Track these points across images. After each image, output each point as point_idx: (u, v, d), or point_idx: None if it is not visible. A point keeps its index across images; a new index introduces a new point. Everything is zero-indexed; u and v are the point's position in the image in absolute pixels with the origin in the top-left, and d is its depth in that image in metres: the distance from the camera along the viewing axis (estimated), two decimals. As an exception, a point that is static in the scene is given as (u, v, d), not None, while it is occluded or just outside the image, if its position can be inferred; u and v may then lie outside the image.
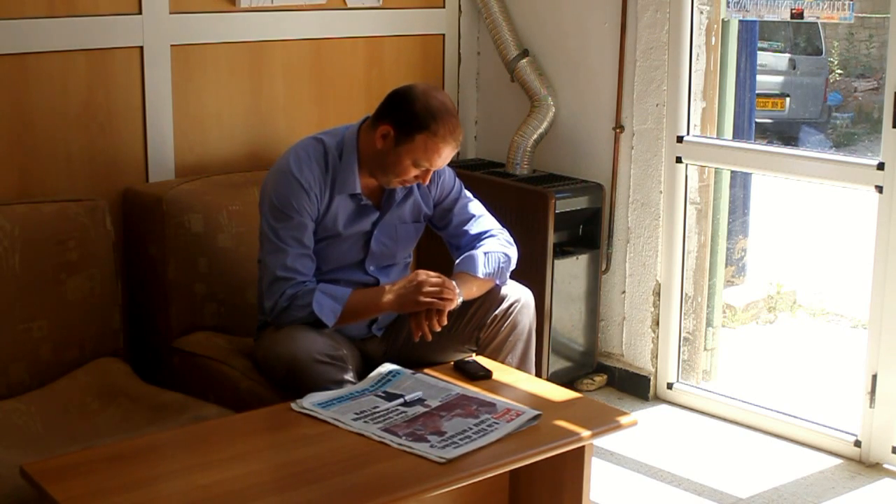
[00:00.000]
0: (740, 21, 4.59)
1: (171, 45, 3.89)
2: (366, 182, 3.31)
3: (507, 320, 3.33)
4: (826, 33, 11.55)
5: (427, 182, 3.28)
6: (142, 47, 3.82)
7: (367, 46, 4.44)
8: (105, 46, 3.75)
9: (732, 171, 4.90)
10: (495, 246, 3.41)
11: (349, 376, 3.09)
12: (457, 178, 3.53)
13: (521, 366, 3.36)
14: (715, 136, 4.46)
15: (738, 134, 5.04)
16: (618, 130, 4.43)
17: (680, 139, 4.29)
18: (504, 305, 3.34)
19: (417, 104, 3.17)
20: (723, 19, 4.37)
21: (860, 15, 11.20)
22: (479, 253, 3.36)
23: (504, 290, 3.37)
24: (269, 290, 3.22)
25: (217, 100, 4.06)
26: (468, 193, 3.55)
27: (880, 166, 3.77)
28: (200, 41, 3.98)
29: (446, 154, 3.20)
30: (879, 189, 3.79)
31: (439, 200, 3.48)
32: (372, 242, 3.37)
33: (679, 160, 4.30)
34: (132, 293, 3.75)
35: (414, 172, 3.22)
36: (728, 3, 4.17)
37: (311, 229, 3.26)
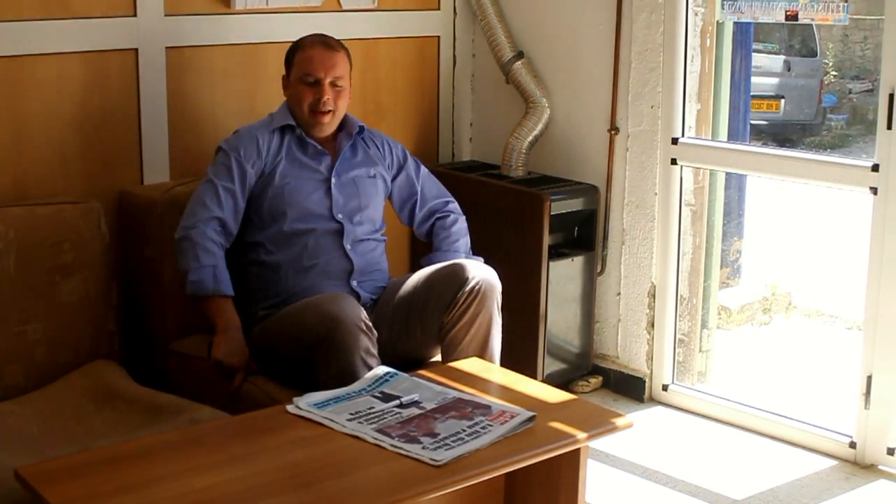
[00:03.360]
0: (735, 23, 4.59)
1: (166, 48, 3.89)
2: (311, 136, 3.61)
3: (470, 303, 3.36)
4: (821, 35, 11.57)
5: (332, 98, 3.54)
6: (137, 49, 3.82)
7: (363, 48, 4.44)
8: (100, 48, 3.75)
9: (727, 173, 4.90)
10: (463, 232, 3.80)
11: (376, 352, 3.17)
12: (409, 155, 3.86)
13: (483, 352, 3.38)
14: (710, 138, 4.46)
15: (732, 136, 5.05)
16: (613, 132, 4.43)
17: (675, 141, 4.29)
18: (467, 287, 3.36)
19: (291, 45, 3.64)
20: (717, 21, 4.37)
21: (855, 17, 11.21)
22: (462, 256, 3.70)
23: (469, 272, 3.39)
24: (183, 221, 3.46)
25: (212, 102, 4.06)
26: (425, 169, 3.89)
27: (875, 168, 3.78)
28: (195, 43, 3.98)
29: (320, 58, 3.56)
30: (874, 190, 3.79)
31: (396, 170, 3.80)
32: (332, 188, 3.56)
33: (674, 162, 4.30)
34: (127, 295, 3.74)
35: (311, 93, 3.53)
36: (723, 4, 4.18)
37: (248, 177, 3.51)
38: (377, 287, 3.60)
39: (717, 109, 4.55)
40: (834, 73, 12.88)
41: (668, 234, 4.37)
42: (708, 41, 4.39)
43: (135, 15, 3.80)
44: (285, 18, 4.19)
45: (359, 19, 4.40)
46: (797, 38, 11.36)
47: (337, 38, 4.22)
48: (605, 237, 4.53)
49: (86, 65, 3.72)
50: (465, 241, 3.79)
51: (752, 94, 6.18)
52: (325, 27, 4.22)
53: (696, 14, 4.31)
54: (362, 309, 3.19)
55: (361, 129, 3.72)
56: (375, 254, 3.64)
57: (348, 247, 3.54)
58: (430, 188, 3.85)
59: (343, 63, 3.60)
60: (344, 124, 3.69)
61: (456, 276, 3.39)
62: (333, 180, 3.58)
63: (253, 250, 3.55)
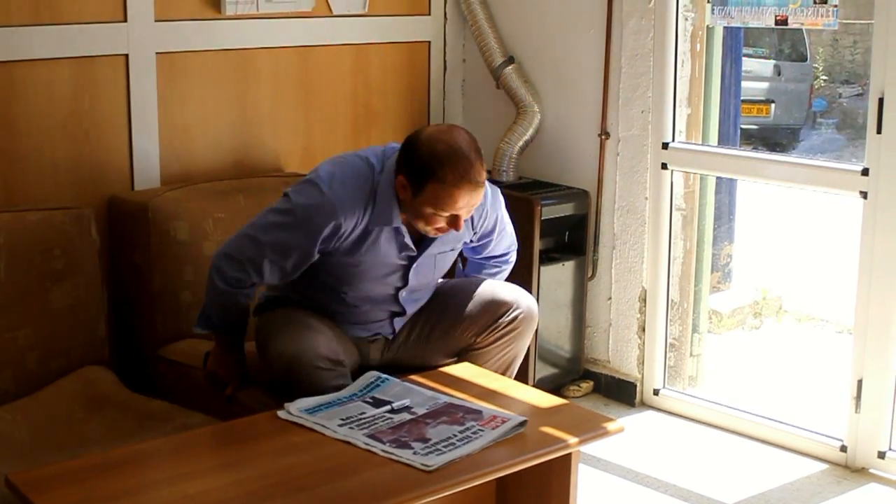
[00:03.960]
0: (725, 28, 4.60)
1: (157, 53, 3.89)
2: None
3: (506, 333, 3.33)
4: (811, 40, 11.59)
5: (461, 228, 3.06)
6: (127, 55, 3.82)
7: (353, 53, 4.44)
8: (90, 54, 3.75)
9: (718, 178, 4.91)
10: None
11: (346, 381, 3.07)
12: (497, 211, 3.40)
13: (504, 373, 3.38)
14: (700, 143, 4.47)
15: (723, 140, 5.06)
16: (603, 137, 4.44)
17: (665, 146, 4.29)
18: (509, 317, 3.32)
19: (422, 151, 2.98)
20: (707, 26, 4.38)
21: (844, 21, 11.23)
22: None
23: (512, 300, 3.33)
24: (225, 257, 3.15)
25: (202, 107, 4.05)
26: (506, 219, 3.48)
27: (865, 172, 3.78)
28: (186, 49, 3.98)
29: (464, 199, 2.97)
30: (864, 195, 3.80)
31: (483, 234, 3.40)
32: (410, 276, 3.22)
33: (664, 166, 4.31)
34: (118, 301, 3.74)
35: (441, 221, 3.02)
36: (713, 9, 4.18)
37: (308, 260, 3.10)
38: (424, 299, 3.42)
39: (708, 114, 4.55)
40: (824, 77, 12.91)
41: (659, 239, 4.37)
42: (698, 46, 4.39)
43: (125, 20, 3.80)
44: (276, 23, 4.19)
45: (349, 24, 4.40)
46: (787, 43, 11.37)
47: (327, 43, 4.26)
48: (596, 242, 4.53)
49: (76, 70, 3.72)
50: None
51: (742, 98, 6.18)
52: (316, 32, 4.25)
53: (686, 19, 4.32)
54: (325, 339, 3.08)
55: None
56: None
57: (403, 295, 3.29)
58: (501, 244, 3.50)
59: (483, 191, 3.06)
60: None
61: (499, 303, 3.32)
62: (414, 266, 3.22)
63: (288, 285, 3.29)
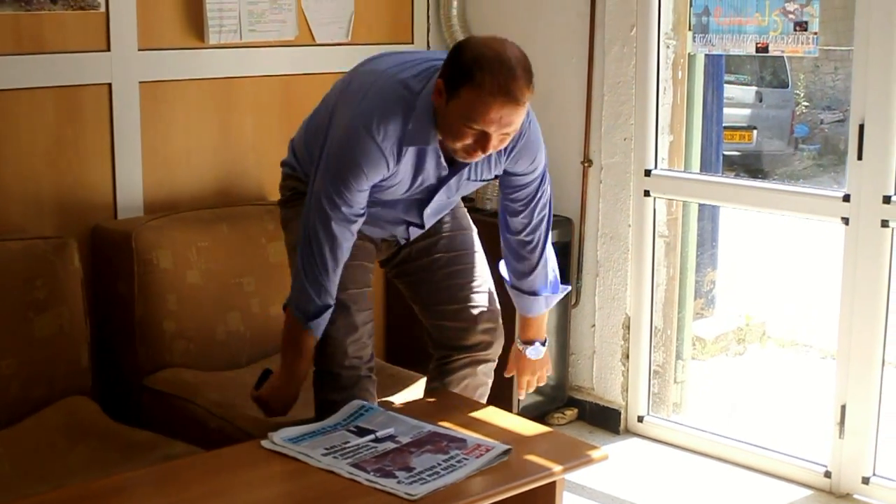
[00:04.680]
0: (707, 55, 4.62)
1: (140, 82, 3.89)
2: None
3: (464, 366, 3.34)
4: (792, 66, 11.66)
5: (496, 145, 2.80)
6: (110, 84, 3.82)
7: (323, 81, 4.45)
8: (73, 83, 3.75)
9: (700, 204, 4.93)
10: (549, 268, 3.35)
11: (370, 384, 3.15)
12: (540, 166, 3.15)
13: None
14: (682, 170, 4.49)
15: (705, 167, 5.08)
16: (586, 164, 4.45)
17: (648, 173, 4.31)
18: (477, 357, 3.34)
19: (466, 54, 2.75)
20: (689, 53, 4.40)
21: (825, 48, 11.31)
22: (544, 296, 3.35)
23: (490, 334, 3.34)
24: (306, 265, 2.98)
25: (186, 136, 4.05)
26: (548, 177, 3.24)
27: (846, 198, 3.80)
28: (169, 78, 3.98)
29: (498, 112, 2.72)
30: (846, 221, 3.81)
31: (512, 172, 3.12)
32: (434, 199, 3.09)
33: (647, 194, 4.32)
34: (101, 331, 3.73)
35: (469, 137, 2.77)
36: (694, 37, 4.21)
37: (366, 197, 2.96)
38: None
39: (690, 141, 4.58)
40: (805, 103, 12.98)
41: (642, 266, 4.38)
42: (680, 73, 4.42)
43: (108, 50, 3.80)
44: (259, 52, 4.20)
45: (332, 53, 4.40)
46: (768, 70, 11.45)
47: (310, 72, 4.24)
48: (580, 269, 4.54)
49: (59, 99, 3.72)
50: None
51: (724, 124, 6.22)
52: (299, 61, 4.25)
53: (668, 47, 4.35)
54: (351, 331, 3.09)
55: (518, 137, 2.98)
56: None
57: (428, 211, 3.15)
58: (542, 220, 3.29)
59: (523, 115, 2.82)
60: None
61: (479, 334, 3.32)
62: (441, 189, 3.07)
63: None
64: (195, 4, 4.00)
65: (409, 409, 3.15)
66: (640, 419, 4.48)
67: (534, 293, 3.32)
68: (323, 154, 2.94)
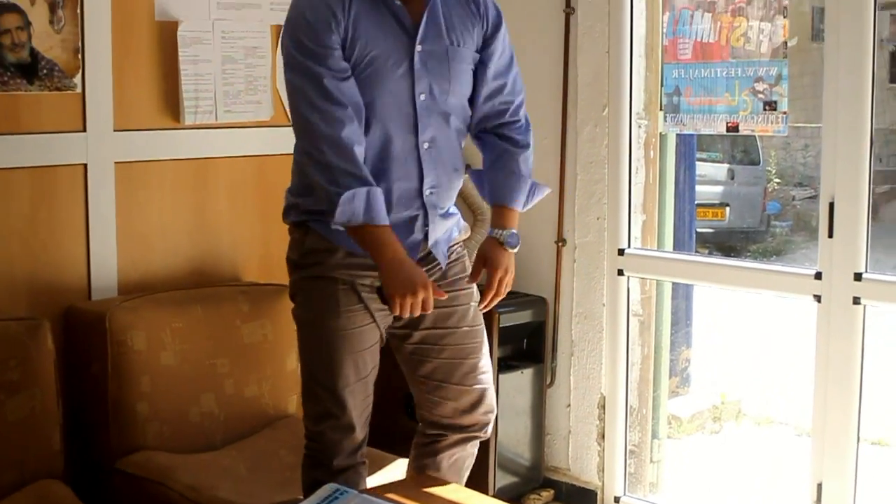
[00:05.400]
0: (678, 134, 4.67)
1: (116, 163, 3.90)
2: None
3: (468, 445, 3.29)
4: (763, 144, 11.80)
5: None
6: (86, 164, 3.83)
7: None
8: (49, 164, 3.75)
9: (674, 283, 4.95)
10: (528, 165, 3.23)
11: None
12: (506, 40, 3.14)
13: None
14: (656, 249, 4.51)
15: (678, 245, 5.11)
16: (560, 244, 4.48)
17: (621, 252, 4.33)
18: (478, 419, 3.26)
19: None
20: (661, 133, 4.45)
21: (795, 125, 11.44)
22: (524, 180, 3.23)
23: (490, 402, 3.26)
24: (325, 174, 2.86)
25: (161, 216, 4.06)
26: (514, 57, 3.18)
27: (818, 276, 3.83)
28: (145, 158, 3.99)
29: None
30: (818, 298, 3.83)
31: (487, 36, 3.09)
32: (416, 62, 2.95)
33: (621, 273, 4.34)
34: (74, 413, 3.69)
35: None
36: (665, 117, 4.26)
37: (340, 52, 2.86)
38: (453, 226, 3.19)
39: (663, 220, 4.61)
40: (777, 180, 13.11)
41: (617, 345, 4.39)
42: (652, 153, 4.46)
43: (84, 130, 3.81)
44: (235, 133, 4.22)
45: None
46: (739, 148, 11.57)
47: (286, 152, 4.24)
48: (555, 349, 4.54)
49: (34, 180, 3.72)
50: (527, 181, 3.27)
51: (696, 202, 6.26)
52: (274, 141, 4.28)
53: (640, 126, 4.39)
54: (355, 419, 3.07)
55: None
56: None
57: (425, 146, 3.02)
58: (515, 90, 3.21)
59: None
60: None
61: (474, 416, 3.24)
62: (419, 49, 2.96)
63: None
64: (171, 85, 4.03)
65: (386, 492, 3.12)
66: (617, 500, 4.46)
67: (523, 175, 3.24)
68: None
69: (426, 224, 3.08)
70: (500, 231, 3.19)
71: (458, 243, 3.26)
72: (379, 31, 2.91)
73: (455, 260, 3.23)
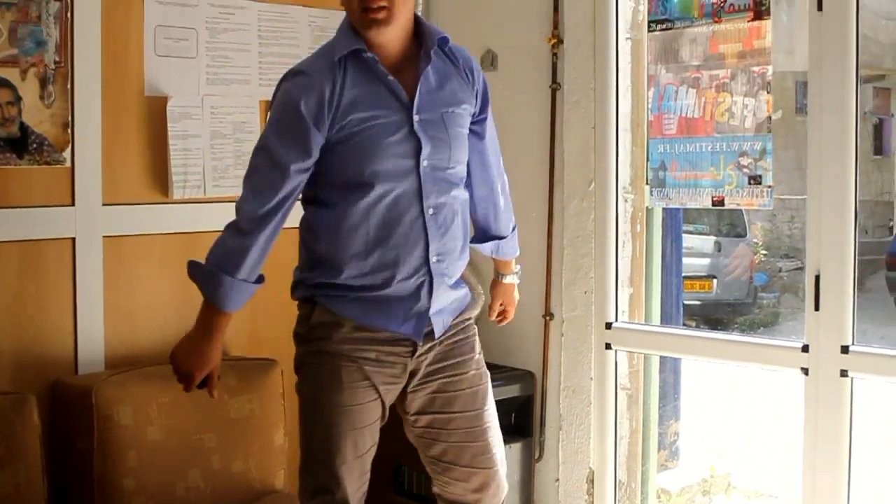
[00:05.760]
0: (664, 208, 4.70)
1: (104, 237, 3.91)
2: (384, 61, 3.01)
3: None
4: (749, 216, 11.86)
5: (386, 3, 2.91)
6: (74, 238, 3.84)
7: (297, 235, 4.46)
8: (37, 238, 3.76)
9: (662, 356, 4.95)
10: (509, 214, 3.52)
11: None
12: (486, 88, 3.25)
13: None
14: (643, 322, 4.51)
15: (666, 318, 5.11)
16: (547, 318, 4.48)
17: (609, 326, 4.34)
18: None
19: None
20: (647, 207, 4.47)
21: (780, 197, 11.52)
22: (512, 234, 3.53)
23: (500, 482, 3.28)
24: (248, 186, 3.09)
25: (148, 290, 4.06)
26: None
27: (805, 349, 3.82)
28: (133, 232, 4.00)
29: None
30: (805, 371, 3.83)
31: (480, 102, 3.21)
32: (416, 130, 3.00)
33: (608, 346, 4.34)
34: (59, 488, 3.67)
35: None
36: (651, 191, 4.28)
37: (317, 140, 2.95)
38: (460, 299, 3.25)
39: (650, 293, 4.61)
40: (763, 251, 13.16)
41: (605, 419, 4.38)
42: (638, 227, 4.48)
43: (73, 204, 3.83)
44: (223, 207, 4.21)
45: (295, 208, 4.43)
46: (726, 220, 11.63)
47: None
48: (543, 423, 4.52)
49: (22, 253, 3.73)
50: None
51: (684, 274, 6.27)
52: (263, 216, 4.27)
53: (626, 200, 4.41)
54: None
55: (444, 40, 3.10)
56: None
57: (430, 212, 3.06)
58: (494, 154, 3.36)
59: None
60: (421, 39, 3.07)
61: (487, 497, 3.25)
62: (416, 118, 3.01)
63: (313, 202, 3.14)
64: (160, 160, 4.05)
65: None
66: (606, 574, 4.43)
67: (505, 236, 3.52)
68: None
69: (430, 292, 3.10)
70: (503, 276, 3.59)
71: (466, 319, 3.30)
72: (375, 101, 2.98)
73: (463, 339, 3.26)
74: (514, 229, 3.57)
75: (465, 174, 3.17)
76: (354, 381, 3.05)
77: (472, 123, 3.19)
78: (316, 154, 2.98)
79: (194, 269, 3.07)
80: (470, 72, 3.16)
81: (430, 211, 3.04)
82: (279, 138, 2.98)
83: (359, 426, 3.04)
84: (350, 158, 2.98)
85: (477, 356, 3.29)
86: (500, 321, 3.63)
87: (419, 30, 3.07)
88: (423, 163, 3.02)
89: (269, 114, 3.14)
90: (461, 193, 3.15)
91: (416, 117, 3.00)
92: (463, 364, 3.23)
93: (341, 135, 2.97)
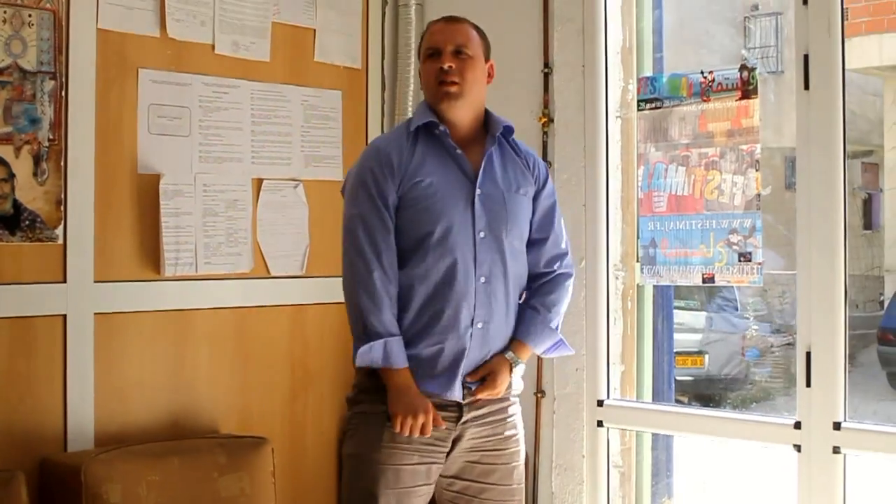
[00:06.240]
0: (655, 285, 4.71)
1: (95, 314, 3.91)
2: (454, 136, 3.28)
3: None
4: (740, 291, 11.86)
5: (456, 67, 3.23)
6: (65, 315, 3.83)
7: (291, 314, 4.48)
8: (28, 314, 3.76)
9: (654, 433, 4.93)
10: (561, 308, 3.49)
11: None
12: (553, 197, 3.48)
13: None
14: (635, 399, 4.51)
15: (657, 395, 5.10)
16: (539, 395, 4.47)
17: (600, 403, 4.33)
18: None
19: None
20: (638, 284, 4.48)
21: (771, 272, 11.54)
22: (547, 323, 3.44)
23: None
24: (348, 267, 3.26)
25: (139, 368, 4.04)
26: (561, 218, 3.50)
27: (797, 425, 3.82)
28: (124, 309, 4.00)
29: (443, 28, 3.29)
30: (797, 448, 3.83)
31: (539, 186, 3.41)
32: (476, 202, 3.23)
33: (600, 424, 4.33)
34: (45, 568, 3.64)
35: (432, 68, 3.25)
36: (642, 269, 4.30)
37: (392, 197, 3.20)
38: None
39: (641, 370, 4.61)
40: (755, 327, 13.15)
41: (597, 497, 4.35)
42: (629, 304, 4.49)
43: (64, 281, 3.83)
44: (214, 284, 4.23)
45: (287, 285, 4.45)
46: (717, 296, 11.64)
47: (265, 304, 4.29)
48: (535, 501, 4.49)
49: (13, 330, 3.72)
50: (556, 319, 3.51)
51: (675, 350, 6.26)
52: (254, 293, 4.30)
53: (617, 278, 4.43)
54: None
55: (509, 129, 3.38)
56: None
57: (481, 280, 3.24)
58: (557, 241, 3.49)
59: (466, 32, 3.29)
60: (488, 126, 3.36)
61: None
62: (478, 193, 3.25)
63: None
64: (152, 237, 4.06)
65: None
66: None
67: (553, 328, 3.48)
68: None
69: (465, 355, 3.24)
70: (512, 356, 3.39)
71: (509, 399, 3.41)
72: (442, 169, 3.24)
73: (506, 417, 3.37)
74: (553, 347, 3.54)
75: (523, 252, 3.35)
76: (395, 441, 3.16)
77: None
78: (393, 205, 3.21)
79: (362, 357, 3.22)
80: (531, 162, 3.40)
81: (482, 279, 3.23)
82: (368, 210, 3.22)
83: (396, 486, 3.15)
84: (414, 221, 3.20)
85: (518, 434, 3.41)
86: (479, 391, 3.34)
87: (487, 119, 3.35)
88: (480, 234, 3.23)
89: (344, 190, 3.35)
90: (516, 268, 3.32)
91: (478, 190, 3.23)
92: (506, 441, 3.36)
93: (408, 197, 3.20)
